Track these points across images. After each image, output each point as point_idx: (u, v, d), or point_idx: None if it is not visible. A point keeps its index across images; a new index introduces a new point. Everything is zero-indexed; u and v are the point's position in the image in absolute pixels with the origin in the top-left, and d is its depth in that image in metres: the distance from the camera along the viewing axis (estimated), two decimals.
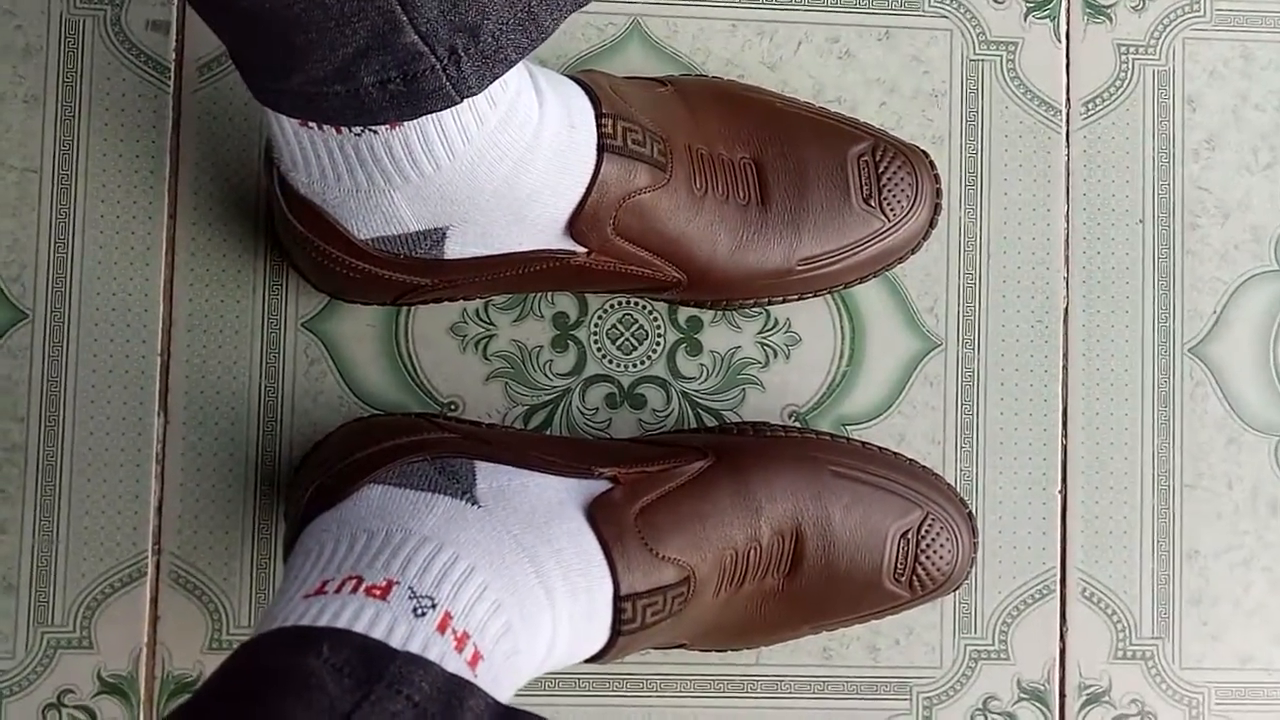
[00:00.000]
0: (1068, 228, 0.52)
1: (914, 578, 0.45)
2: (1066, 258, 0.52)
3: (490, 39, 0.33)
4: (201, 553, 0.49)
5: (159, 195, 0.49)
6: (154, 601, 0.49)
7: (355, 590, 0.34)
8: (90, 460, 0.49)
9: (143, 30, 0.50)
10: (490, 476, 0.40)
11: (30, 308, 0.49)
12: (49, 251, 0.49)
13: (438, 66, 0.33)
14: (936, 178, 0.48)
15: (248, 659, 0.32)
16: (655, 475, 0.42)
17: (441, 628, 0.34)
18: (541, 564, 0.38)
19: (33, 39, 0.49)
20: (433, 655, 0.32)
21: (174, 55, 0.50)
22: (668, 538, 0.40)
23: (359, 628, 0.33)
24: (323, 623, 0.33)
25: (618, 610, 0.39)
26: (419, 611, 0.34)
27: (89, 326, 0.49)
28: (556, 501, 0.40)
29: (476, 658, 0.34)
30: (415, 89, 0.34)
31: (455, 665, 0.33)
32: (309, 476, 0.44)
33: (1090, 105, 0.52)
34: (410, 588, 0.34)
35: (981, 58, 0.52)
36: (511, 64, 0.34)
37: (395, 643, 0.32)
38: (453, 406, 0.50)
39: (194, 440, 0.49)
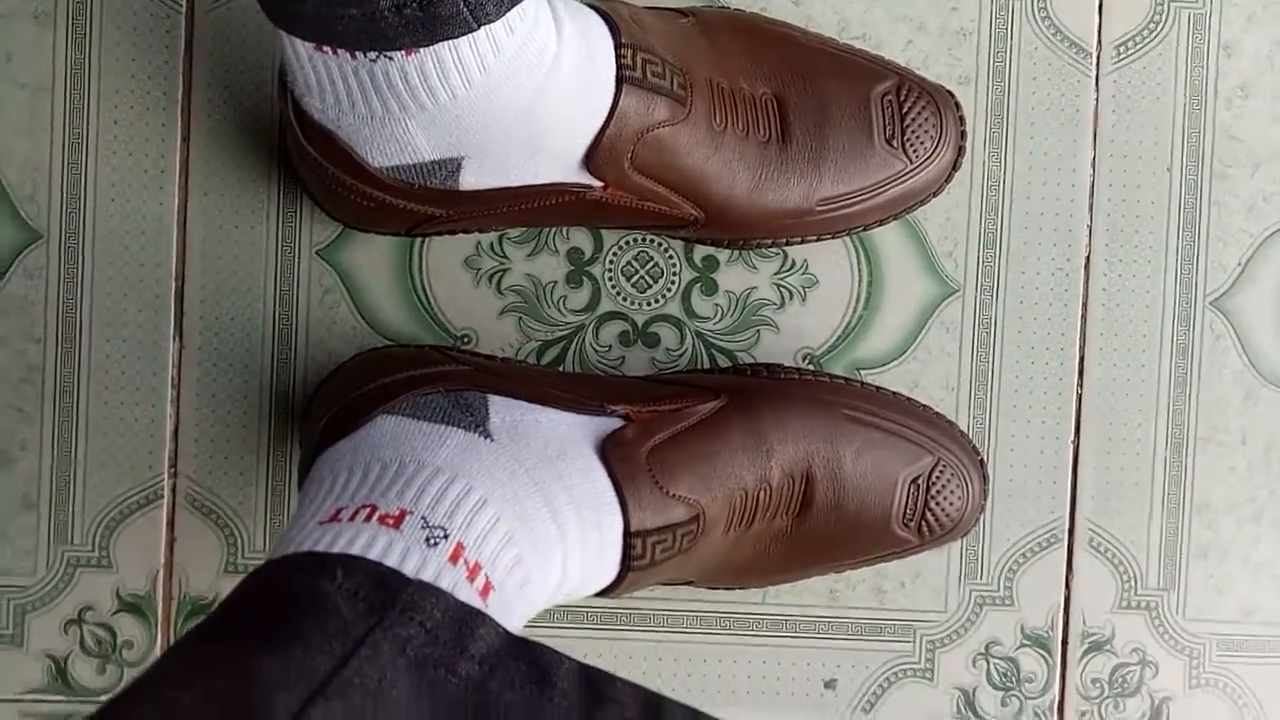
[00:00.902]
0: (1093, 175, 0.51)
1: (923, 523, 0.45)
2: (1091, 205, 0.51)
3: None
4: (217, 477, 0.49)
5: (172, 118, 0.49)
6: (170, 524, 0.49)
7: (369, 519, 0.35)
8: (107, 383, 0.49)
9: None
10: (503, 410, 0.40)
11: (45, 228, 0.49)
12: (63, 172, 0.49)
13: None
14: (961, 119, 0.47)
15: (263, 582, 0.33)
16: (667, 414, 0.42)
17: (454, 558, 0.34)
18: (553, 498, 0.38)
19: None
20: (445, 584, 0.33)
21: None
22: (679, 476, 0.40)
23: (373, 555, 0.33)
24: (337, 549, 0.33)
25: (628, 546, 0.39)
26: (432, 541, 0.34)
27: (104, 249, 0.49)
28: (569, 438, 0.40)
29: (488, 588, 0.35)
30: (432, 14, 0.33)
31: (466, 595, 0.33)
32: (323, 405, 0.44)
33: (1122, 49, 0.51)
34: (423, 518, 0.35)
35: None
36: None
37: (408, 571, 0.33)
38: (466, 340, 0.50)
39: (209, 366, 0.49)
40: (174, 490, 0.49)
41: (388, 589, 0.32)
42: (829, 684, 0.50)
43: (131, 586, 0.49)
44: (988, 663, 0.51)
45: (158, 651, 0.49)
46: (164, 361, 0.49)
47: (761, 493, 0.42)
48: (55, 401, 0.49)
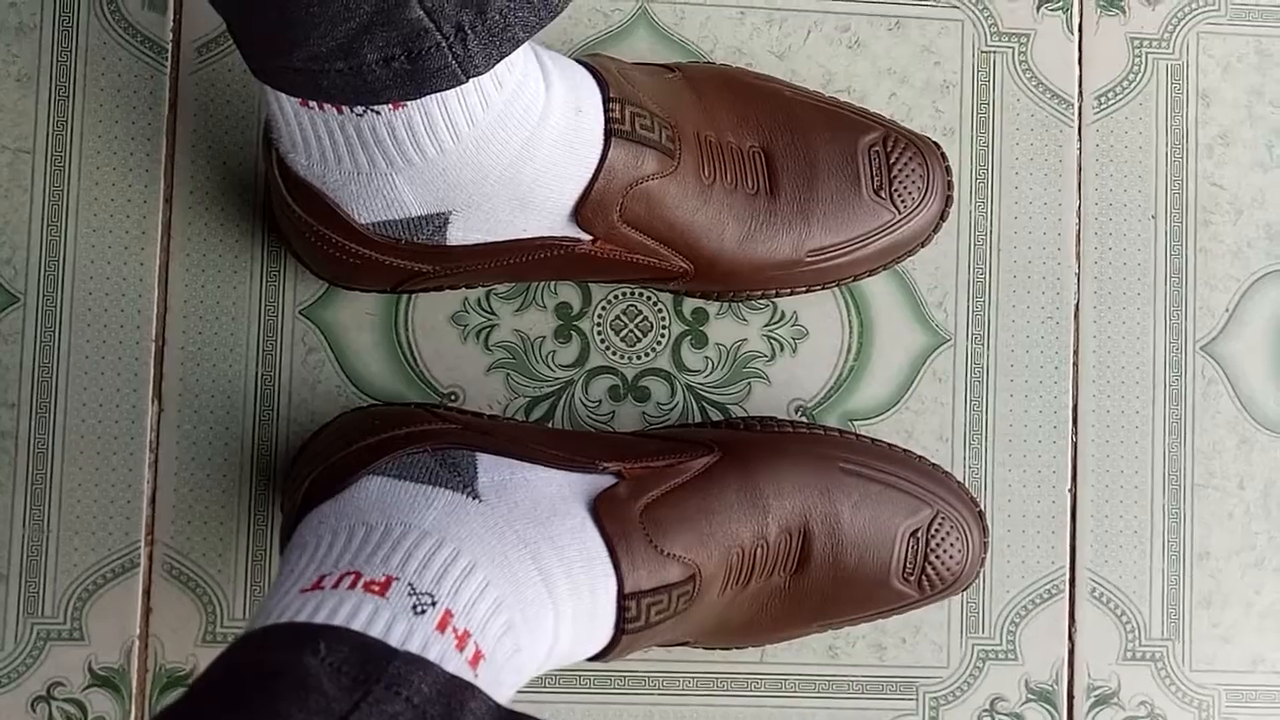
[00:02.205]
0: (1079, 223, 0.51)
1: (923, 577, 0.44)
2: (1078, 253, 0.51)
3: (498, 16, 0.32)
4: (196, 544, 0.48)
5: (155, 179, 0.48)
6: (146, 593, 0.48)
7: (354, 586, 0.33)
8: (83, 449, 0.48)
9: (139, 9, 0.49)
10: (492, 469, 0.39)
11: (22, 291, 0.48)
12: (41, 234, 0.48)
13: (443, 44, 0.32)
14: (948, 169, 0.47)
15: (243, 655, 0.31)
16: (661, 471, 0.41)
17: (441, 626, 0.33)
18: (544, 561, 0.37)
19: (26, 17, 0.48)
20: (433, 654, 0.32)
21: (171, 36, 0.49)
22: (673, 535, 0.40)
23: (358, 624, 0.32)
24: (320, 619, 0.32)
25: (621, 609, 0.38)
26: (419, 609, 0.33)
27: (82, 312, 0.48)
28: (559, 496, 0.39)
29: (478, 657, 0.33)
30: (420, 67, 0.33)
31: (455, 664, 0.32)
32: (306, 467, 0.43)
33: (1103, 99, 0.51)
34: (410, 584, 0.33)
35: (993, 49, 0.51)
36: (519, 43, 0.33)
37: (394, 641, 0.32)
38: (453, 397, 0.49)
39: (189, 429, 0.48)
40: (150, 558, 0.48)
41: (373, 661, 0.30)
42: None
43: (105, 659, 0.47)
44: (993, 719, 0.49)
45: None
46: (142, 425, 0.48)
47: (759, 550, 0.41)
48: (28, 469, 0.48)
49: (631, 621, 0.38)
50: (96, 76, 0.48)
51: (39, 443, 0.48)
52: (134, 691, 0.47)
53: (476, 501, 0.38)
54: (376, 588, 0.33)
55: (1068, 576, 0.50)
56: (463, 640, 0.33)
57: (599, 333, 0.49)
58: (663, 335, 0.49)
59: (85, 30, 0.48)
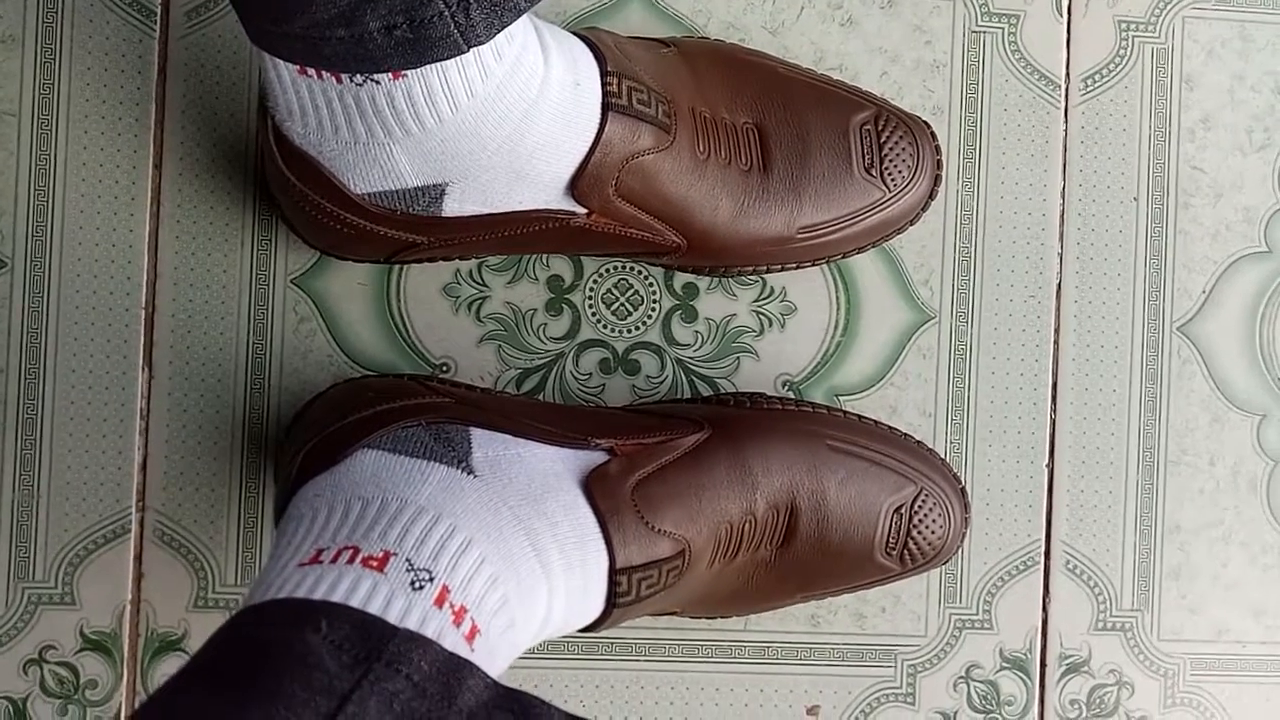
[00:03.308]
0: (1063, 203, 0.52)
1: (905, 552, 0.45)
2: (1061, 233, 0.52)
3: None
4: (187, 510, 0.48)
5: (144, 144, 0.48)
6: (138, 558, 0.48)
7: (352, 561, 0.34)
8: (72, 414, 0.48)
9: None
10: (486, 445, 0.40)
11: (9, 255, 0.48)
12: (29, 198, 0.48)
13: (446, 13, 0.32)
14: (937, 149, 0.48)
15: (243, 631, 0.32)
16: (652, 447, 0.42)
17: (439, 601, 0.33)
18: (537, 537, 0.38)
19: None
20: (430, 629, 0.32)
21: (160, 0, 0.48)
22: (664, 511, 0.40)
23: (356, 600, 0.32)
24: (319, 594, 0.32)
25: (613, 583, 0.39)
26: (417, 584, 0.33)
27: (71, 277, 0.48)
28: (553, 473, 0.40)
29: (474, 632, 0.34)
30: (422, 35, 0.33)
31: (453, 639, 0.33)
32: (300, 437, 0.43)
33: (1089, 81, 0.52)
34: (408, 559, 0.34)
35: (983, 29, 0.51)
36: (520, 13, 0.33)
37: (393, 616, 0.32)
38: (444, 368, 0.49)
39: (179, 396, 0.48)
40: (142, 524, 0.48)
41: (373, 639, 0.31)
42: (811, 710, 0.50)
43: (96, 624, 0.48)
44: (968, 686, 0.51)
45: (123, 691, 0.48)
46: (132, 392, 0.48)
47: (746, 525, 0.42)
48: (18, 433, 0.47)
49: (622, 596, 0.39)
50: (84, 39, 0.48)
51: (28, 408, 0.47)
52: (125, 656, 0.48)
53: (471, 477, 0.38)
54: (375, 563, 0.34)
55: (1043, 549, 0.51)
56: (459, 616, 0.34)
57: (590, 306, 0.50)
58: (653, 309, 0.50)
59: None
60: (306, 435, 0.42)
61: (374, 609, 0.32)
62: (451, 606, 0.33)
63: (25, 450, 0.47)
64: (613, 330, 0.50)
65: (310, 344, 0.48)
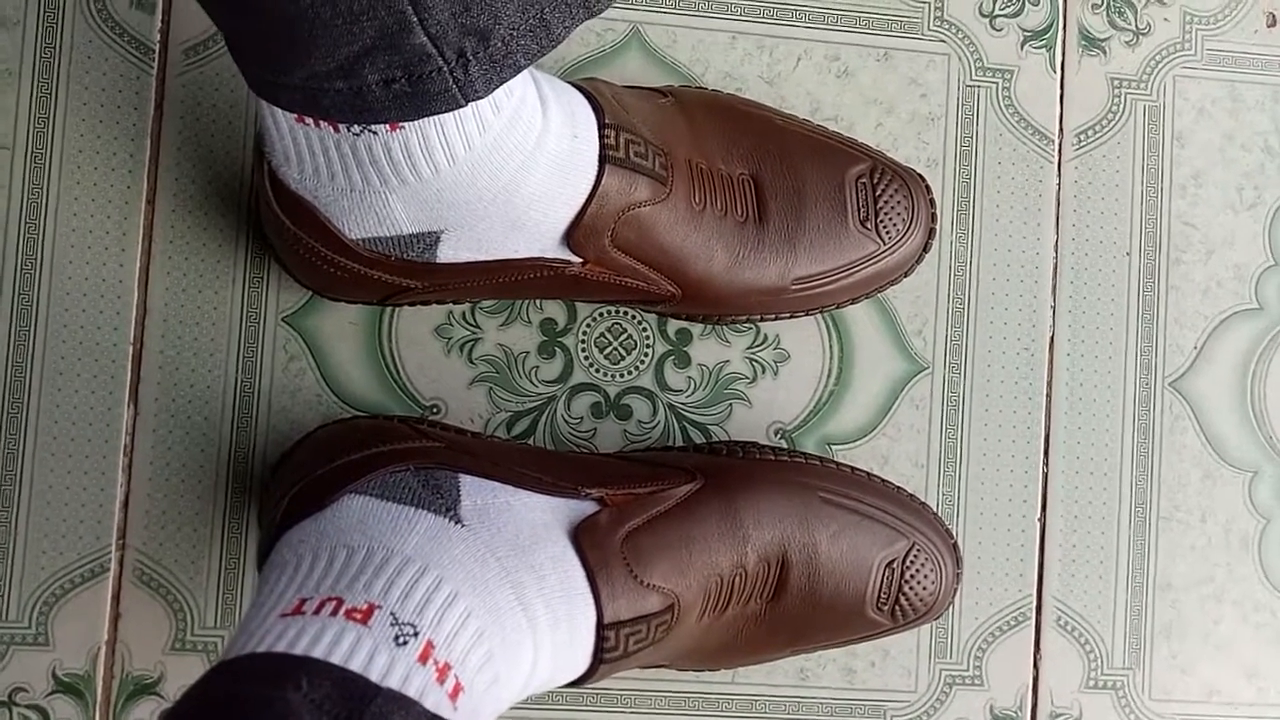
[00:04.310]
0: (1056, 257, 0.52)
1: (896, 607, 0.45)
2: (1054, 287, 0.52)
3: (500, 44, 0.32)
4: (168, 550, 0.47)
5: (137, 180, 0.48)
6: (116, 599, 0.47)
7: (335, 612, 0.33)
8: (54, 450, 0.47)
9: (127, 8, 0.48)
10: (475, 493, 0.39)
11: None
12: (19, 232, 0.47)
13: (445, 69, 0.32)
14: (932, 202, 0.48)
15: (223, 686, 0.31)
16: (643, 498, 0.41)
17: (423, 658, 0.33)
18: (524, 590, 0.37)
19: (10, 10, 0.47)
20: (414, 687, 0.32)
21: (159, 36, 0.48)
22: (653, 564, 0.40)
23: (339, 655, 0.31)
24: (301, 647, 0.32)
25: (600, 638, 0.38)
26: (401, 640, 0.33)
27: (59, 311, 0.47)
28: (541, 523, 0.39)
29: (458, 689, 0.33)
30: (420, 90, 0.33)
31: (435, 698, 0.32)
32: (286, 479, 0.42)
33: (1082, 136, 0.52)
34: (392, 613, 0.33)
35: (978, 84, 0.52)
36: (519, 69, 0.34)
37: (376, 673, 0.31)
38: (435, 410, 0.49)
39: (164, 434, 0.47)
40: (121, 563, 0.47)
41: (354, 699, 0.30)
42: None
43: (70, 665, 0.47)
44: None
45: None
46: (117, 428, 0.47)
47: (737, 578, 0.42)
48: None
49: (609, 651, 0.38)
50: (80, 75, 0.48)
51: (9, 442, 0.47)
52: (99, 699, 0.47)
53: (459, 526, 0.38)
54: (359, 615, 0.33)
55: (1034, 604, 0.51)
56: (443, 673, 0.33)
57: (583, 349, 0.49)
58: (646, 354, 0.50)
59: (70, 27, 0.48)
60: (293, 478, 0.42)
61: (356, 665, 0.31)
62: (436, 664, 0.33)
63: (5, 485, 0.47)
64: (605, 374, 0.49)
65: (300, 383, 0.48)
